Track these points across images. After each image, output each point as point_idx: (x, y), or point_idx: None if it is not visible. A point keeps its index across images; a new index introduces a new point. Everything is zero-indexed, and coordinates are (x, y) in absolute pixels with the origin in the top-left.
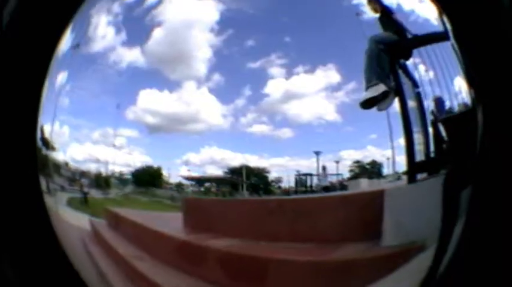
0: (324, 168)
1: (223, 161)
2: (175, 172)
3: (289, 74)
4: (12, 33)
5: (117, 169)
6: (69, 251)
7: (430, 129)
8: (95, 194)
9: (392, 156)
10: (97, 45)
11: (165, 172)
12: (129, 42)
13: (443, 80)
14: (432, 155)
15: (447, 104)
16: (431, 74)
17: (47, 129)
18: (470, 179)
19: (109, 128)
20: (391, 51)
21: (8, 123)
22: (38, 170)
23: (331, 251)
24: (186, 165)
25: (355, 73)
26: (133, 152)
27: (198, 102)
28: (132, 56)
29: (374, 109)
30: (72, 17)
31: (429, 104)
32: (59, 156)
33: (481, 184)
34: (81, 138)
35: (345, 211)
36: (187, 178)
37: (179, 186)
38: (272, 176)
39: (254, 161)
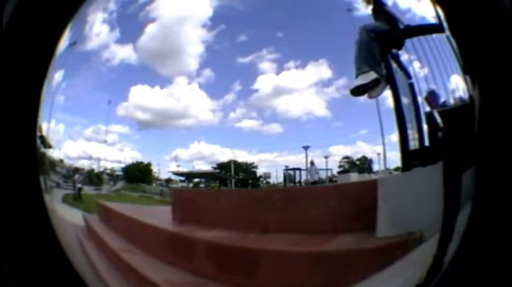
0: (312, 163)
1: (212, 157)
2: (164, 168)
3: (279, 69)
4: (12, 33)
5: (109, 165)
6: (66, 247)
7: (423, 120)
8: (88, 190)
9: (383, 151)
10: (92, 43)
11: (154, 168)
12: (122, 39)
13: (437, 72)
14: (426, 144)
15: (442, 95)
16: (424, 66)
17: (44, 127)
18: (470, 164)
19: (101, 124)
20: (382, 40)
21: (8, 123)
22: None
23: (325, 242)
24: (175, 161)
25: (346, 69)
26: (124, 148)
27: (188, 97)
28: (124, 52)
29: (365, 104)
30: (71, 17)
31: (422, 95)
32: (54, 153)
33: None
34: (74, 135)
35: (337, 201)
36: (177, 173)
37: (168, 181)
38: (260, 171)
39: (242, 156)
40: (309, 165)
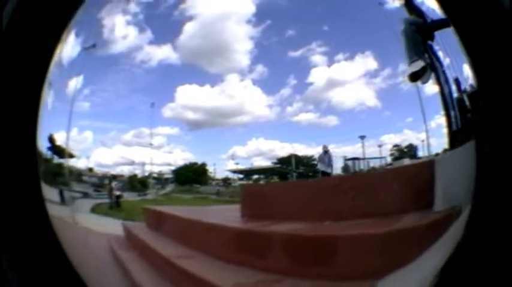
0: (325, 150)
1: (271, 152)
2: (220, 167)
3: (330, 62)
4: (11, 34)
5: (156, 169)
6: (82, 261)
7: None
8: (128, 196)
9: (426, 137)
10: (118, 46)
11: (210, 168)
12: (157, 40)
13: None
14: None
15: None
16: (448, 55)
17: (59, 137)
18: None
19: (144, 128)
20: (420, 32)
21: (6, 126)
22: (43, 180)
23: (393, 222)
24: (232, 159)
25: (390, 59)
26: (174, 150)
27: (242, 94)
28: (162, 53)
29: (407, 92)
30: (70, 19)
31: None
32: (79, 163)
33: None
34: (108, 141)
35: (399, 183)
36: (235, 171)
37: (226, 181)
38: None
39: (302, 150)
40: (320, 152)
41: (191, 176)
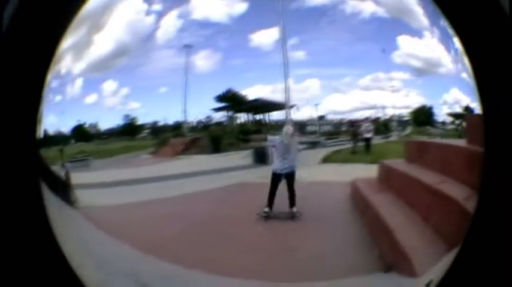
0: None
1: None
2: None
3: None
4: (12, 36)
5: (396, 112)
6: None
7: None
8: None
9: None
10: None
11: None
12: None
13: None
14: None
15: None
16: None
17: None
18: None
19: (379, 72)
20: None
21: (6, 126)
22: None
23: None
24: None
25: None
26: (410, 93)
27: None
28: (371, 7)
29: None
30: (71, 20)
31: None
32: (298, 114)
33: None
34: (343, 87)
35: None
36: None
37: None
38: None
39: None
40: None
41: (423, 119)
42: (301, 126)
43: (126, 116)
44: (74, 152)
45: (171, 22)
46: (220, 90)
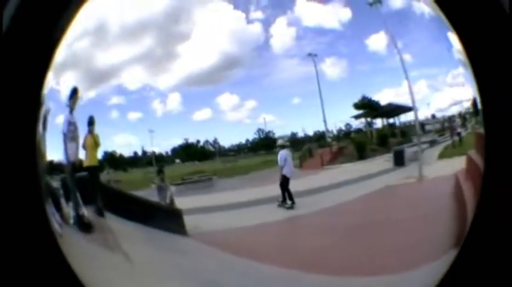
0: None
1: None
2: None
3: None
4: (11, 36)
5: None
6: None
7: None
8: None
9: None
10: None
11: None
12: None
13: None
14: None
15: None
16: None
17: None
18: None
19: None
20: None
21: (6, 127)
22: None
23: None
24: None
25: None
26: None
27: None
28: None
29: None
30: (71, 20)
31: None
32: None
33: None
34: (439, 85)
35: None
36: None
37: None
38: None
39: None
40: None
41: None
42: (421, 126)
43: (259, 130)
44: (187, 172)
45: (282, 30)
46: (353, 97)
